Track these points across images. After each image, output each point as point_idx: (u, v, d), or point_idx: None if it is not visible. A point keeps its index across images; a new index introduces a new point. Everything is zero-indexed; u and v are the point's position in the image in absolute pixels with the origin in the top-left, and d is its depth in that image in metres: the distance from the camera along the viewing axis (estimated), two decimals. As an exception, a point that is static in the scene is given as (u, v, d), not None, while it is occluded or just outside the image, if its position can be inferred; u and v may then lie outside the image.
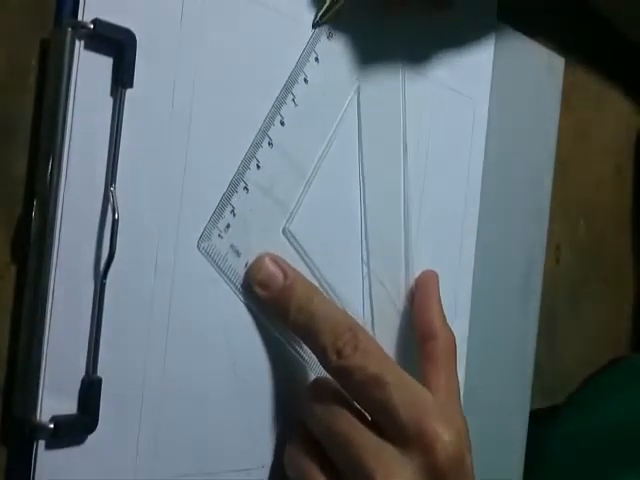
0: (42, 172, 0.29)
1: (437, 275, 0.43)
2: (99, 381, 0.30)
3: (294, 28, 0.37)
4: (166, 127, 0.32)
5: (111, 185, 0.30)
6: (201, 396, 0.34)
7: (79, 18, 0.29)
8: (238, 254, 0.35)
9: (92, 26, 0.29)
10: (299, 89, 0.37)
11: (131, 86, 0.30)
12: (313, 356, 0.36)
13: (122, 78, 0.30)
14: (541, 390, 0.55)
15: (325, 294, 0.38)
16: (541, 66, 0.53)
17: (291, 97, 0.37)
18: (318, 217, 0.38)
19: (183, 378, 0.33)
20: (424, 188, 0.44)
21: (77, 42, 0.29)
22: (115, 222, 0.30)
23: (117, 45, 0.30)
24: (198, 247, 0.34)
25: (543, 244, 0.54)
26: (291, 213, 0.37)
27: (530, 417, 0.53)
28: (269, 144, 0.36)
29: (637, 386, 0.57)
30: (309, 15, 0.37)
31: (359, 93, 0.40)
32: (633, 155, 0.66)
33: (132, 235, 0.31)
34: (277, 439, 0.37)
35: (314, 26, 0.36)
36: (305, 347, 0.36)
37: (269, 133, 0.36)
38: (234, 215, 0.35)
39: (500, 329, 0.50)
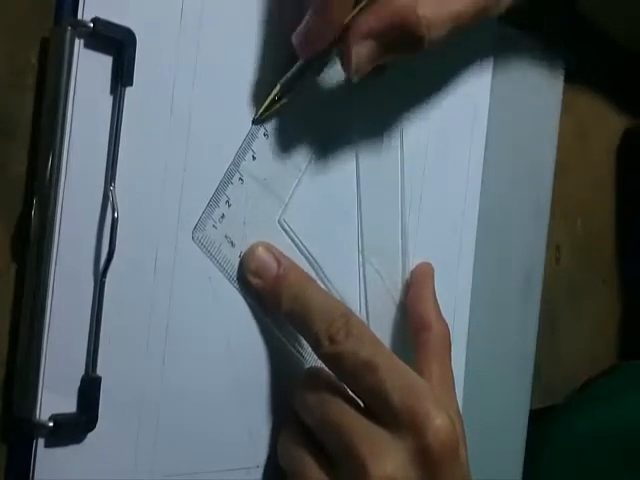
0: (42, 171, 0.29)
1: (432, 267, 0.43)
2: (98, 380, 0.30)
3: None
4: (166, 125, 0.32)
5: (111, 184, 0.30)
6: (200, 395, 0.34)
7: (79, 17, 0.29)
8: (232, 244, 0.35)
9: (92, 25, 0.29)
10: None
11: (131, 85, 0.31)
12: (313, 354, 0.36)
13: (122, 77, 0.30)
14: (541, 390, 0.55)
15: (321, 284, 0.38)
16: (541, 66, 0.53)
17: None
18: (314, 207, 0.38)
19: (182, 377, 0.33)
20: (423, 186, 0.44)
21: (77, 41, 0.29)
22: (115, 220, 0.30)
23: (117, 44, 0.30)
24: (192, 237, 0.34)
25: (543, 244, 0.54)
26: (286, 203, 0.37)
27: (530, 417, 0.53)
28: (264, 135, 0.36)
29: (636, 393, 0.57)
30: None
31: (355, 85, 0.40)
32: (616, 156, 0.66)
33: (132, 234, 0.31)
34: (274, 439, 0.37)
35: (254, 122, 0.36)
36: (304, 344, 0.37)
37: (265, 124, 0.36)
38: (229, 205, 0.35)
39: (500, 329, 0.50)
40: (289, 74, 0.35)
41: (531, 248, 0.53)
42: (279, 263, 0.35)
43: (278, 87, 0.35)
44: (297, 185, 0.37)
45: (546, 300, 0.54)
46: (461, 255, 0.47)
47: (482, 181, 0.47)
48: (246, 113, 0.35)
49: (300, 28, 0.33)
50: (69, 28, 0.29)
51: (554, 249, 0.57)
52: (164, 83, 0.32)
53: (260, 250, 0.35)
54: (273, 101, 0.35)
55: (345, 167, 0.40)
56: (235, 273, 0.35)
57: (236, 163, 0.35)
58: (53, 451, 0.29)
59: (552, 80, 0.54)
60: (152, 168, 0.32)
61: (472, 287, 0.47)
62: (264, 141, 0.36)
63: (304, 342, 0.36)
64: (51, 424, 0.29)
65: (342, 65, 0.35)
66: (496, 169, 0.48)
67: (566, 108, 0.55)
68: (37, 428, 0.29)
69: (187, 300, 0.33)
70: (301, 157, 0.38)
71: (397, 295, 0.42)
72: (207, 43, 0.33)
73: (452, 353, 0.40)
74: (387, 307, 0.42)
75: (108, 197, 0.30)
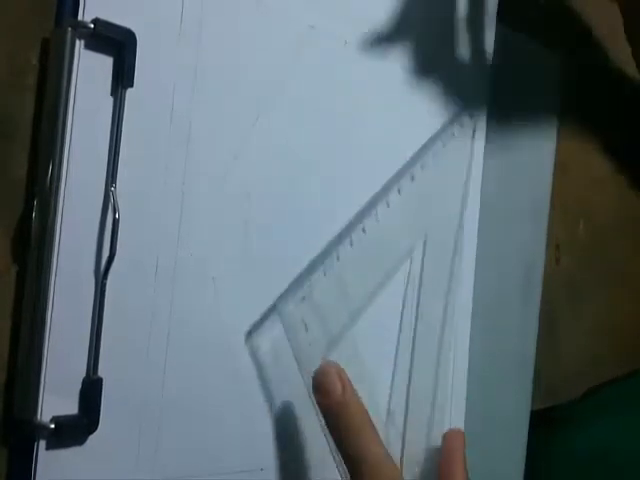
0: (42, 172, 0.29)
1: (463, 434, 0.43)
2: (100, 381, 0.30)
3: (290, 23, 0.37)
4: (166, 127, 0.32)
5: (111, 185, 0.30)
6: (202, 396, 0.34)
7: (79, 18, 0.29)
8: (306, 329, 0.36)
9: (92, 26, 0.29)
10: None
11: (131, 86, 0.30)
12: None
13: (123, 78, 0.30)
14: (541, 391, 0.55)
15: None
16: (541, 66, 0.53)
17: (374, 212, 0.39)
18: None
19: (184, 379, 0.33)
20: (423, 186, 0.44)
21: (77, 42, 0.29)
22: (116, 222, 0.30)
23: (117, 45, 0.30)
24: (275, 308, 0.35)
25: (543, 244, 0.54)
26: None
27: (530, 417, 0.53)
28: (350, 244, 0.38)
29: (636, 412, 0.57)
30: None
31: None
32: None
33: (133, 235, 0.31)
34: (277, 441, 0.37)
35: None
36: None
37: (352, 234, 0.38)
38: (310, 291, 0.37)
39: (500, 329, 0.50)
40: None
41: (531, 248, 0.53)
42: (344, 389, 0.36)
43: None
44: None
45: (546, 300, 0.54)
46: (461, 255, 0.47)
47: (482, 181, 0.47)
48: (246, 114, 0.35)
49: None
50: (69, 29, 0.29)
51: (554, 249, 0.57)
52: (165, 84, 0.32)
53: (333, 372, 0.36)
54: None
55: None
56: (300, 359, 0.36)
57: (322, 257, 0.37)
58: (54, 453, 0.29)
59: (552, 80, 0.54)
60: (153, 169, 0.32)
61: (472, 287, 0.47)
62: (349, 249, 0.38)
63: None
64: (52, 426, 0.29)
65: None
66: (496, 169, 0.48)
67: (566, 107, 0.55)
68: (38, 430, 0.29)
69: (188, 302, 0.33)
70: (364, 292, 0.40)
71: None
72: (207, 43, 0.33)
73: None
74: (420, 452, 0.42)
75: (109, 199, 0.30)
